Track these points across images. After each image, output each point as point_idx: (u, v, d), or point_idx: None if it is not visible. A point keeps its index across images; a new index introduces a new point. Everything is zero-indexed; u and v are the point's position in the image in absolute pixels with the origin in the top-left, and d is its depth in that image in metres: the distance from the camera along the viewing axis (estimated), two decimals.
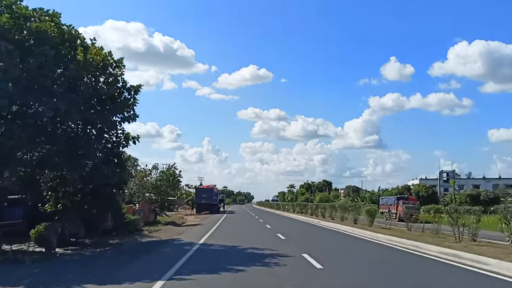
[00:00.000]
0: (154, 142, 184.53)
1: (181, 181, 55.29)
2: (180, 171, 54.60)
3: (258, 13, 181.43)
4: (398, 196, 49.28)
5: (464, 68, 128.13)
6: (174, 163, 56.21)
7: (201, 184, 72.47)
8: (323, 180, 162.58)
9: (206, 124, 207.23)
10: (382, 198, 51.49)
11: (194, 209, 55.27)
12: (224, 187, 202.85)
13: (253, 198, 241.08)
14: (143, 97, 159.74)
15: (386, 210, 49.01)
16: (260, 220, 34.59)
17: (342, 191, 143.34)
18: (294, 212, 51.24)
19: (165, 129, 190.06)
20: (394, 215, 41.95)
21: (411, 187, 76.70)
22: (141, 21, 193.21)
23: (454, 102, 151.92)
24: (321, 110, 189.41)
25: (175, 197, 77.81)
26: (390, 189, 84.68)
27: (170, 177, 53.72)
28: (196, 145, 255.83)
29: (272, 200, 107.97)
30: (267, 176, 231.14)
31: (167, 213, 43.55)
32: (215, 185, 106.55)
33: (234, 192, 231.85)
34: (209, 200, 53.43)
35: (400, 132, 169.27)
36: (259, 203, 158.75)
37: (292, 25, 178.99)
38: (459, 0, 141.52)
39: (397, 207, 43.07)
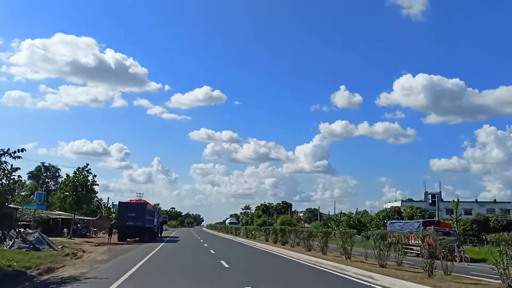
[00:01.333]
0: (101, 161, 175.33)
1: (96, 191, 36.55)
2: (95, 176, 36.04)
3: (213, 35, 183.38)
4: (424, 220, 33.80)
5: (408, 100, 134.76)
6: (87, 165, 37.54)
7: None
8: (282, 202, 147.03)
9: (157, 143, 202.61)
10: (391, 223, 36.02)
11: (117, 235, 36.62)
12: (172, 208, 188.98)
13: (202, 220, 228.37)
14: (91, 113, 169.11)
15: (401, 240, 33.45)
16: (223, 264, 17.16)
17: (301, 214, 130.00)
18: (267, 241, 34.20)
19: (113, 147, 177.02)
20: (415, 249, 26.32)
21: (401, 209, 62.46)
22: (92, 36, 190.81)
23: (398, 131, 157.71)
24: (274, 133, 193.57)
25: (97, 214, 57.70)
26: (376, 212, 70.27)
27: (78, 183, 35.13)
28: (145, 165, 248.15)
29: (230, 222, 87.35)
30: (217, 199, 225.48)
31: (52, 242, 24.95)
32: (157, 204, 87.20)
33: (182, 214, 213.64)
34: (139, 221, 35.14)
35: (348, 158, 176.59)
36: (210, 226, 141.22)
37: (246, 49, 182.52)
38: (405, 35, 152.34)
39: (423, 238, 26.96)
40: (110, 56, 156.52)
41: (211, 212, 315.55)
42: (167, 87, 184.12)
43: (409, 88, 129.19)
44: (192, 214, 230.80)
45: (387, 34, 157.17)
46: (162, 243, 33.20)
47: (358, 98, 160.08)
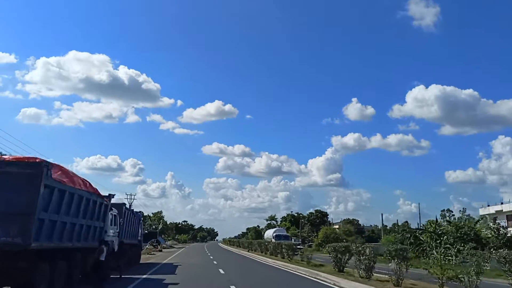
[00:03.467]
0: (115, 176, 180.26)
1: None
2: None
3: (223, 50, 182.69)
4: None
5: (421, 111, 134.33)
6: None
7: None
8: (316, 211, 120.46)
9: (170, 158, 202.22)
10: None
11: None
12: (184, 221, 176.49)
13: (217, 235, 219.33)
14: (105, 129, 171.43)
15: None
16: None
17: (337, 227, 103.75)
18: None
19: (127, 162, 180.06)
20: None
21: None
22: (106, 53, 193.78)
23: (413, 143, 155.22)
24: (286, 147, 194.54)
25: None
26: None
27: None
28: (159, 180, 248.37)
29: (277, 236, 53.43)
30: (230, 213, 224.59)
31: None
32: (159, 212, 61.93)
33: (195, 227, 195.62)
34: (15, 233, 9.25)
35: (361, 171, 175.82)
36: (231, 242, 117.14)
37: (257, 63, 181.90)
38: (416, 46, 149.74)
39: None
40: (123, 73, 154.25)
41: (224, 226, 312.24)
42: (179, 102, 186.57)
43: (422, 99, 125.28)
44: (206, 228, 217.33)
45: (399, 46, 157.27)
46: None
47: (370, 110, 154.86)
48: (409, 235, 51.28)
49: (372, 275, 15.88)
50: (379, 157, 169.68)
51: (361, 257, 16.02)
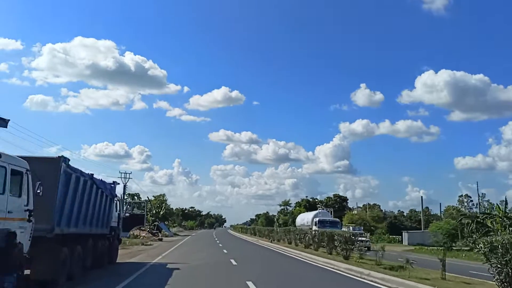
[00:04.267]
0: (122, 163, 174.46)
1: None
2: None
3: (231, 35, 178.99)
4: None
5: (431, 97, 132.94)
6: None
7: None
8: (335, 195, 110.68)
9: (177, 145, 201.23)
10: None
11: None
12: (191, 207, 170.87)
13: (225, 221, 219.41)
14: (112, 116, 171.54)
15: None
16: None
17: (355, 212, 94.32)
18: None
19: (135, 149, 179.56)
20: None
21: None
22: (112, 39, 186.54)
23: (422, 129, 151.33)
24: (293, 134, 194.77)
25: None
26: None
27: None
28: (166, 167, 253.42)
29: (321, 221, 36.18)
30: (237, 200, 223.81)
31: None
32: (150, 197, 52.34)
33: (202, 213, 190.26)
34: None
35: (369, 158, 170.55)
36: (239, 228, 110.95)
37: (264, 49, 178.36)
38: (426, 30, 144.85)
39: None
40: (130, 59, 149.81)
41: (232, 213, 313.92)
42: (186, 88, 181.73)
43: (431, 84, 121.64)
44: (214, 214, 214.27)
45: (408, 30, 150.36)
46: None
47: (379, 96, 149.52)
48: (469, 221, 41.84)
49: None
50: (388, 143, 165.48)
51: None
